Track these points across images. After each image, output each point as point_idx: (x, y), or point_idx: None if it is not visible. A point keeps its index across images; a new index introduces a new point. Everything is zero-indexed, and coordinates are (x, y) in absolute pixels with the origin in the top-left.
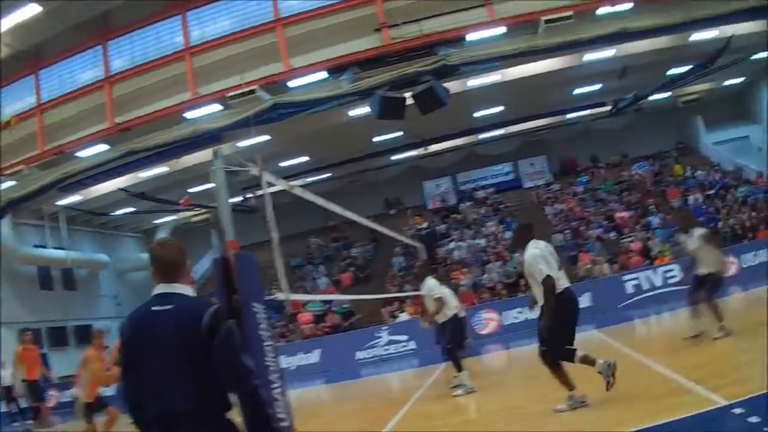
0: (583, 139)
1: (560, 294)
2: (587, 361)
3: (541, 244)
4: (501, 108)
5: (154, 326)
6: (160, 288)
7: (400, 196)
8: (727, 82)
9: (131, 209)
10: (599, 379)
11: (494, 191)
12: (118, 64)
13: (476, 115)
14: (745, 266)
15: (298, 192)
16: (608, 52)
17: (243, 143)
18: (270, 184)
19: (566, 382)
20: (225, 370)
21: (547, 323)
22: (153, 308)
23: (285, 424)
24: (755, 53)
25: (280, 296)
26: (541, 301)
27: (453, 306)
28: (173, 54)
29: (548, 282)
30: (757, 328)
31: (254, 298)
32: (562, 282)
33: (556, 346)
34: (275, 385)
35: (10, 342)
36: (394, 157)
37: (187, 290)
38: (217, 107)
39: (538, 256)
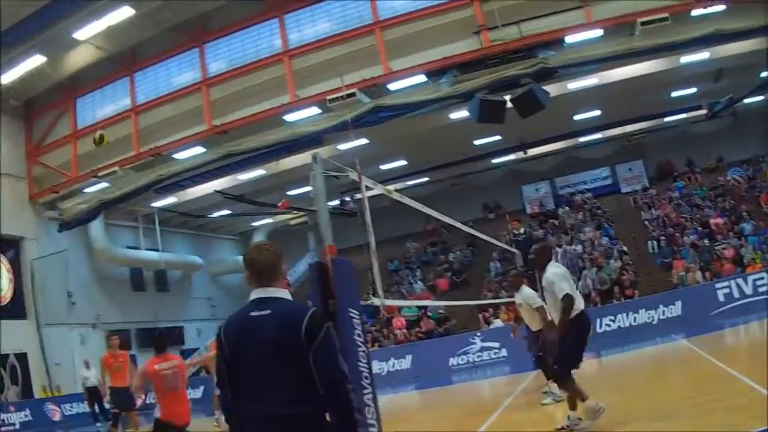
0: (679, 143)
1: (577, 316)
2: (574, 397)
3: (561, 266)
4: (599, 112)
5: (254, 331)
6: (257, 293)
7: (498, 200)
8: None
9: (228, 212)
10: (687, 389)
11: (592, 196)
12: (215, 66)
13: (576, 118)
14: None
15: (396, 197)
16: (703, 55)
17: (342, 146)
18: (368, 189)
19: (579, 394)
20: (322, 373)
21: (556, 340)
22: (251, 313)
23: (374, 430)
24: None
25: (375, 302)
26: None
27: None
28: (272, 57)
29: (568, 300)
30: None
31: (350, 304)
32: (579, 305)
33: (558, 365)
34: (366, 391)
35: (101, 343)
36: (494, 161)
37: (285, 294)
38: (315, 110)
39: (561, 275)
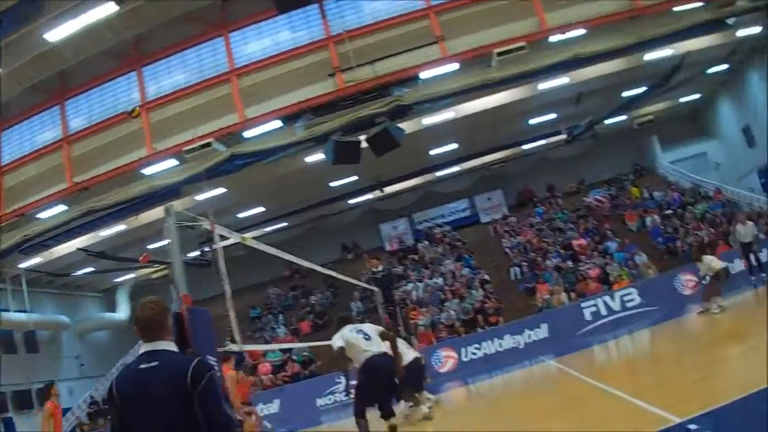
0: (539, 170)
1: (363, 363)
2: None
3: (350, 326)
4: (455, 145)
5: (143, 383)
6: (145, 347)
7: (357, 240)
8: (683, 99)
9: (91, 269)
10: (558, 409)
11: (451, 228)
12: (75, 123)
13: (432, 153)
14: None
15: (252, 244)
16: (563, 80)
17: (201, 197)
18: (223, 238)
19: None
20: (208, 416)
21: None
22: (140, 366)
23: None
24: (711, 67)
25: (233, 347)
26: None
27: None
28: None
29: (336, 352)
30: (703, 347)
31: (207, 351)
32: (366, 354)
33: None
34: None
35: None
36: (351, 201)
37: (171, 346)
38: (173, 162)
39: (337, 336)
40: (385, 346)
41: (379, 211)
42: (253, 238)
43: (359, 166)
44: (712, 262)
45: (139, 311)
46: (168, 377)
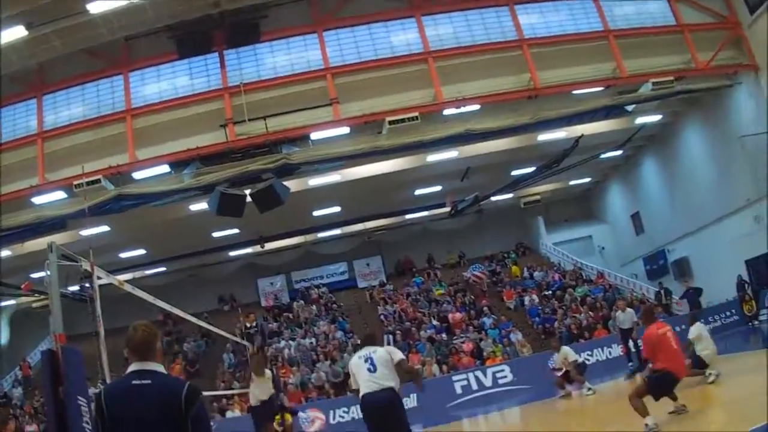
0: (421, 240)
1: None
2: None
3: (364, 350)
4: (339, 208)
5: (135, 399)
6: (135, 365)
7: (234, 292)
8: (573, 182)
9: None
10: None
11: (328, 290)
12: None
13: (315, 214)
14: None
15: (128, 288)
16: (452, 153)
17: (84, 232)
18: (100, 278)
19: None
20: None
21: None
22: (132, 382)
23: None
24: (605, 152)
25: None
26: None
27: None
28: (25, 137)
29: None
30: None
31: (79, 392)
32: (363, 389)
33: None
34: None
35: None
36: (231, 254)
37: (161, 368)
38: (62, 194)
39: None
40: (393, 380)
41: (258, 266)
42: (132, 279)
43: (242, 218)
44: (568, 353)
45: (131, 332)
46: (161, 396)
